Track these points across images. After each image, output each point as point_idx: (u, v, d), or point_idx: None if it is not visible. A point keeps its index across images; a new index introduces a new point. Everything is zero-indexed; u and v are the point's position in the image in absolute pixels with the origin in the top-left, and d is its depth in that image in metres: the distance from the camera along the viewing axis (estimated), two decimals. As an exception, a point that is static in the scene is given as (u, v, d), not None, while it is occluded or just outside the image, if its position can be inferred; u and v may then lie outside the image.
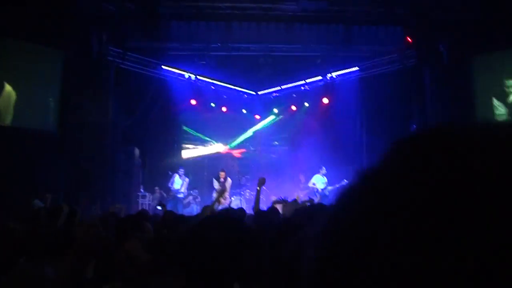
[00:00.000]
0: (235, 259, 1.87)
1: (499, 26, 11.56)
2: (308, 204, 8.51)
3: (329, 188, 14.14)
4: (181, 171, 14.76)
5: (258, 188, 6.49)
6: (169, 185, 14.52)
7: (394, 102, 14.49)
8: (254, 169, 17.92)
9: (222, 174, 13.95)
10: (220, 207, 11.74)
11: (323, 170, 14.37)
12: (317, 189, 14.14)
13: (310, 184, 14.27)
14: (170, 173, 14.86)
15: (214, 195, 13.09)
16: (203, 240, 1.91)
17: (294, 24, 13.26)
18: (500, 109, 12.61)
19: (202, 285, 1.86)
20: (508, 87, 12.51)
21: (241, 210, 7.62)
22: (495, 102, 12.68)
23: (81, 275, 2.90)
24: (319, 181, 14.25)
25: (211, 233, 1.91)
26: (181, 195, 14.49)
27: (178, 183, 14.49)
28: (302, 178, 14.94)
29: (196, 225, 2.05)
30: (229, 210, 7.61)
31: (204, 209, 6.68)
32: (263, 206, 13.38)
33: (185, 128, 18.23)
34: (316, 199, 13.73)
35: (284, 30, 13.46)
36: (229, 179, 14.06)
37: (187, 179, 14.81)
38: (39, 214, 5.97)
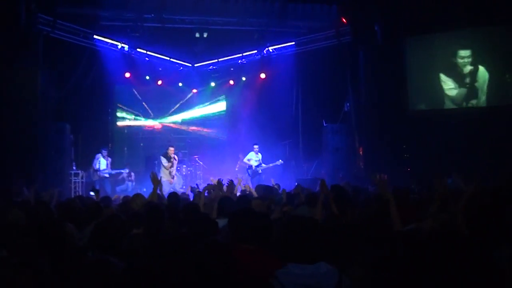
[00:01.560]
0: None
1: (432, 9, 11.96)
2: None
3: (263, 166, 14.29)
4: (104, 151, 14.39)
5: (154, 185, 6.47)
6: (94, 166, 14.13)
7: (329, 79, 14.78)
8: (191, 144, 17.85)
9: (171, 150, 13.50)
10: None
11: (256, 148, 14.47)
12: (250, 166, 14.25)
13: (245, 160, 14.37)
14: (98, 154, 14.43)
15: (162, 174, 12.75)
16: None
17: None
18: (431, 86, 13.21)
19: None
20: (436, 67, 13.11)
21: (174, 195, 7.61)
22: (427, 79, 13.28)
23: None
24: (252, 158, 14.36)
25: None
26: (106, 175, 14.19)
27: (103, 163, 14.16)
28: (241, 156, 14.99)
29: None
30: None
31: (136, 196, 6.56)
32: (201, 182, 13.44)
33: (119, 105, 17.82)
34: (246, 176, 13.91)
35: (220, 3, 13.24)
36: (175, 156, 13.69)
37: (110, 159, 14.48)
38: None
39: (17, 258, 3.02)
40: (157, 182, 6.49)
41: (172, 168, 13.44)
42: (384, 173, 10.71)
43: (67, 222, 5.02)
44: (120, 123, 18.05)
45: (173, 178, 13.46)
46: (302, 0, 13.22)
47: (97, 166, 13.99)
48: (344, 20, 13.92)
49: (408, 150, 13.33)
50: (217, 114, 19.14)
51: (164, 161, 13.30)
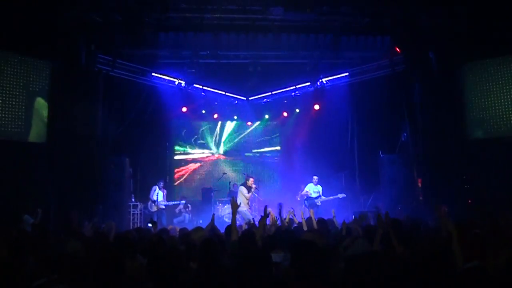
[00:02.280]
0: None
1: (488, 34, 11.59)
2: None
3: (323, 198, 14.10)
4: (161, 183, 14.74)
5: (232, 210, 6.43)
6: (151, 197, 14.48)
7: (384, 108, 14.51)
8: (246, 176, 17.89)
9: (251, 180, 13.41)
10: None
11: (316, 179, 14.35)
12: (308, 197, 14.10)
13: (303, 192, 14.26)
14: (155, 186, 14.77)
15: (241, 203, 12.70)
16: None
17: (281, 33, 13.20)
18: (489, 113, 12.67)
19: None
20: (495, 93, 12.58)
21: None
22: (485, 106, 12.75)
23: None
24: (311, 190, 14.23)
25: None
26: (162, 206, 14.48)
27: (160, 195, 14.49)
28: (302, 187, 14.86)
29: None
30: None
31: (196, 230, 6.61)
32: (256, 214, 13.41)
33: (176, 139, 18.29)
34: (303, 208, 13.72)
35: (272, 38, 13.42)
36: (254, 186, 13.51)
37: (165, 191, 14.80)
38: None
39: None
40: (236, 207, 6.49)
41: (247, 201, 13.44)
42: (444, 205, 10.35)
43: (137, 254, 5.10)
44: (177, 156, 18.44)
45: (250, 208, 13.45)
46: (355, 32, 13.15)
47: (154, 198, 14.32)
48: (397, 49, 13.75)
49: (469, 181, 12.64)
50: (271, 146, 19.21)
51: (244, 191, 13.28)
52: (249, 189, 13.24)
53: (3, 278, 2.81)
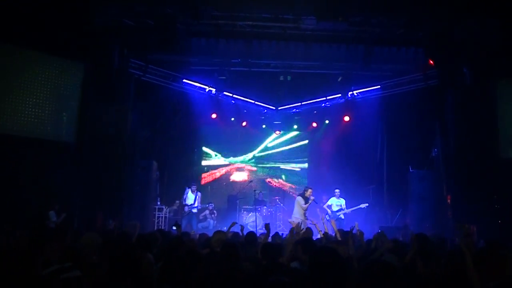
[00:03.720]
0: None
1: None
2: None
3: (346, 210, 13.85)
4: (194, 186, 14.79)
5: (266, 231, 6.46)
6: (183, 200, 14.56)
7: (416, 123, 14.29)
8: (272, 185, 17.83)
9: (309, 191, 13.17)
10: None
11: (338, 192, 14.09)
12: (332, 212, 13.83)
13: (325, 206, 13.99)
14: (187, 188, 14.87)
15: (297, 215, 12.70)
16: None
17: (313, 43, 13.14)
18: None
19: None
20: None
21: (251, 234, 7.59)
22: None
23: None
24: (333, 203, 13.99)
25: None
26: (195, 210, 14.52)
27: (191, 197, 14.52)
28: (324, 198, 14.64)
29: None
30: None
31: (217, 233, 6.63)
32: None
33: (204, 145, 18.37)
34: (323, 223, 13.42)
35: (304, 48, 13.37)
36: (312, 197, 13.22)
37: (199, 194, 14.82)
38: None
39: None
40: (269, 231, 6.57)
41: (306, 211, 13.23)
42: (473, 224, 10.03)
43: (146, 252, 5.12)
44: (204, 162, 18.51)
45: (306, 218, 13.23)
46: (387, 43, 12.99)
47: (186, 201, 14.40)
48: (431, 62, 13.47)
49: (500, 201, 12.22)
50: (299, 157, 19.11)
51: (302, 201, 13.09)
52: (306, 200, 13.06)
53: (19, 265, 2.86)
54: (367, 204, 13.96)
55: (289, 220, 9.61)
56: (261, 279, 3.26)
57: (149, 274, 4.21)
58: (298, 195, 13.49)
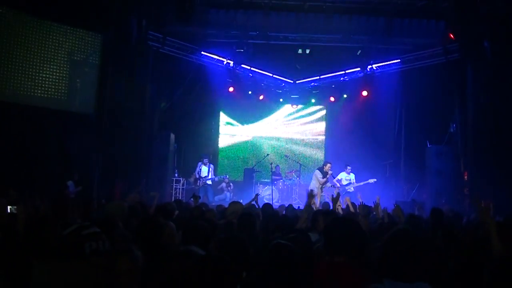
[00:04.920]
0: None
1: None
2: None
3: (355, 184, 13.89)
4: (205, 159, 14.88)
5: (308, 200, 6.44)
6: (196, 174, 14.68)
7: (435, 98, 14.12)
8: (289, 159, 17.83)
9: (328, 165, 13.33)
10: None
11: (349, 168, 14.12)
12: (341, 185, 13.86)
13: (334, 180, 14.01)
14: (200, 162, 14.97)
15: (313, 187, 12.56)
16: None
17: (333, 14, 12.97)
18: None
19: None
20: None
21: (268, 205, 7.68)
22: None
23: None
24: (343, 178, 14.03)
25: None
26: (209, 182, 14.66)
27: (205, 170, 14.65)
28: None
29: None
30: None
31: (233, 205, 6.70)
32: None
33: (222, 112, 18.39)
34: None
35: (324, 20, 13.23)
36: (330, 172, 13.42)
37: (212, 166, 14.95)
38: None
39: (116, 246, 3.17)
40: (312, 197, 6.53)
41: (326, 184, 13.42)
42: (490, 201, 9.96)
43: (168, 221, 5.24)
44: (222, 136, 18.57)
45: (322, 193, 13.31)
46: (408, 15, 12.77)
47: (198, 174, 14.53)
48: (451, 35, 13.22)
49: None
50: (316, 130, 19.07)
51: (319, 175, 13.21)
52: (324, 174, 13.14)
53: (39, 230, 2.94)
54: (375, 180, 14.01)
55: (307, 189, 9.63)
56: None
57: (172, 241, 4.31)
58: (317, 169, 13.56)
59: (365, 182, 13.92)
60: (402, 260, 2.61)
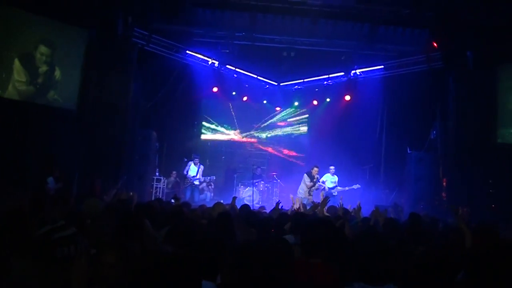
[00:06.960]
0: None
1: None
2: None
3: (339, 188, 14.05)
4: (196, 159, 14.92)
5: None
6: (185, 172, 14.70)
7: (416, 105, 14.31)
8: (270, 161, 17.91)
9: (315, 170, 13.63)
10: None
11: (332, 169, 14.30)
12: (324, 188, 14.04)
13: (320, 182, 14.14)
14: (186, 159, 15.00)
15: (301, 190, 13.18)
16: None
17: (319, 19, 13.06)
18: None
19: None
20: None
21: (246, 206, 7.76)
22: None
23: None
24: (328, 180, 14.18)
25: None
26: (197, 182, 14.66)
27: (194, 170, 14.65)
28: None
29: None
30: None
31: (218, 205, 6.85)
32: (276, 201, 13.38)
33: (205, 117, 18.37)
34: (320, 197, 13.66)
35: (309, 24, 13.30)
36: (317, 176, 13.76)
37: (202, 167, 14.97)
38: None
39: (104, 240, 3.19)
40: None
41: (313, 188, 13.57)
42: (467, 207, 10.15)
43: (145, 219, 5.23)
44: (204, 136, 18.56)
45: (311, 196, 13.50)
46: (392, 23, 12.92)
47: (188, 173, 14.53)
48: (435, 44, 13.43)
49: (495, 186, 12.25)
50: (298, 133, 19.16)
51: (307, 179, 13.43)
52: (312, 178, 13.30)
53: (16, 225, 2.94)
54: (359, 186, 14.17)
55: (291, 195, 9.80)
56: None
57: (150, 239, 4.33)
58: (305, 173, 13.71)
59: (350, 187, 14.09)
60: (369, 263, 2.66)
